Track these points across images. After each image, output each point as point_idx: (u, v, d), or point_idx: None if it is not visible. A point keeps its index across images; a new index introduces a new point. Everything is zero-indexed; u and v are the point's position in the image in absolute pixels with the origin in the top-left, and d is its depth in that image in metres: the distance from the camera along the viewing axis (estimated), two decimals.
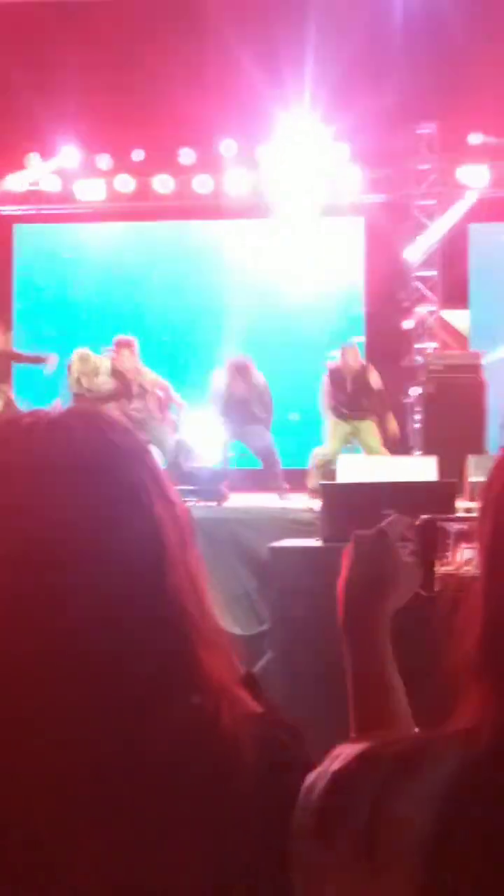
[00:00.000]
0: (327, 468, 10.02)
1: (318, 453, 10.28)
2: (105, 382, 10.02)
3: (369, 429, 10.34)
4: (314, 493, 9.55)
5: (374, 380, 10.51)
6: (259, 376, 10.20)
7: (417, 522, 1.36)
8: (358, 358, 10.65)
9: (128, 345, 10.10)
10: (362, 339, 11.85)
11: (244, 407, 9.92)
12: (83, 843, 0.89)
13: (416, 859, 0.83)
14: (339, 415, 10.38)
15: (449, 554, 1.42)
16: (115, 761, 0.91)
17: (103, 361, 10.26)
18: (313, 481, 9.94)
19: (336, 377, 10.51)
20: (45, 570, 0.92)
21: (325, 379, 10.58)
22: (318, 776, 0.95)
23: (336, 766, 0.94)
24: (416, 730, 1.23)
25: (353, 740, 1.00)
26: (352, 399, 10.36)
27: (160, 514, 0.99)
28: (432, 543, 1.33)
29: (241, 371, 10.06)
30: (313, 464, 10.17)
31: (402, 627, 1.34)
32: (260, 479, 9.70)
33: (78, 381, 10.20)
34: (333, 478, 9.93)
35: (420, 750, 0.91)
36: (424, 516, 1.36)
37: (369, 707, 1.26)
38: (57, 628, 0.91)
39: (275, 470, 9.80)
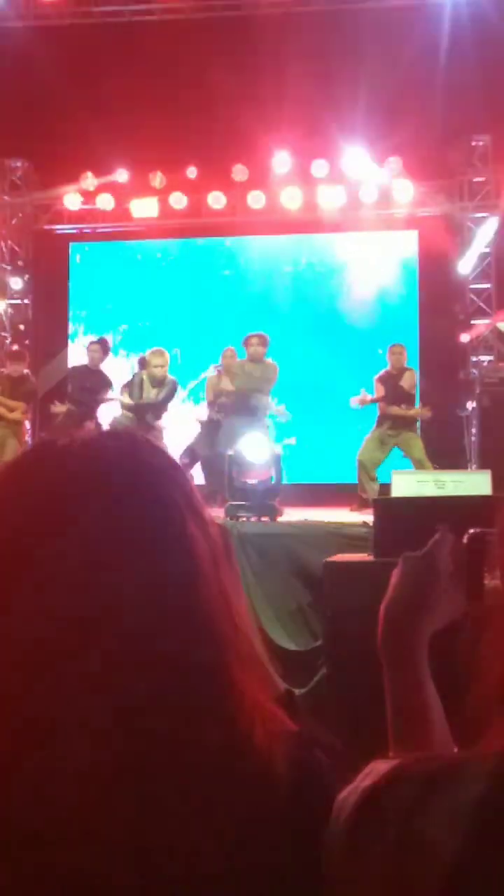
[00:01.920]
0: (370, 472, 10.08)
1: (363, 460, 10.32)
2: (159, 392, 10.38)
3: (416, 443, 10.34)
4: (365, 502, 9.59)
5: (408, 380, 10.61)
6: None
7: (466, 536, 1.35)
8: (403, 358, 10.75)
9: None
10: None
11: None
12: (113, 860, 0.90)
13: (444, 879, 0.83)
14: (391, 425, 10.40)
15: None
16: (146, 778, 0.92)
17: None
18: (369, 490, 9.98)
19: (386, 379, 10.60)
20: (79, 589, 0.93)
21: (376, 385, 10.64)
22: (349, 793, 0.95)
23: (367, 782, 0.94)
24: (455, 749, 1.23)
25: (387, 758, 1.01)
26: (399, 399, 10.42)
27: (193, 533, 1.00)
28: (480, 557, 1.33)
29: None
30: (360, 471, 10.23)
31: (441, 645, 1.34)
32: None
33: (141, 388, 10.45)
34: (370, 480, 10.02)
35: (451, 769, 0.91)
36: (473, 530, 1.35)
37: (406, 726, 1.26)
38: (88, 643, 0.92)
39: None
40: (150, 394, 10.28)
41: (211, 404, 11.32)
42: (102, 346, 11.53)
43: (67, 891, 0.89)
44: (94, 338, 12.37)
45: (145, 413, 10.24)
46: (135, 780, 0.91)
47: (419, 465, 10.08)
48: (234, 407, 10.18)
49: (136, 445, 1.03)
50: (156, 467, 1.02)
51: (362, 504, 9.63)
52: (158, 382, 10.29)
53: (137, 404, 10.32)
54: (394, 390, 10.48)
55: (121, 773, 0.91)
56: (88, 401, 10.84)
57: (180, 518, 0.99)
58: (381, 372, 10.73)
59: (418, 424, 10.76)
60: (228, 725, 0.96)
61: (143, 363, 11.01)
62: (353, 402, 10.53)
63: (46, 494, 0.97)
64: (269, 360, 10.24)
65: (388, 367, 10.71)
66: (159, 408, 10.45)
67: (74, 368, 11.83)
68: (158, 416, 10.44)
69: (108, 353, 11.69)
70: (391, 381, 10.55)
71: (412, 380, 10.67)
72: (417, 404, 10.90)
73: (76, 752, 0.90)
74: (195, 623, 0.96)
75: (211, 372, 11.85)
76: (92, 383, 11.01)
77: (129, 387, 10.63)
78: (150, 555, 0.96)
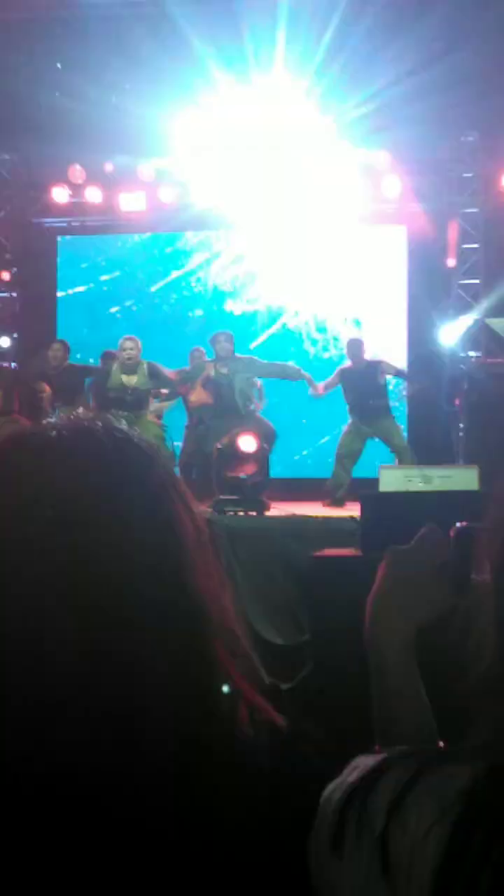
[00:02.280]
0: (346, 466, 10.13)
1: (341, 453, 10.39)
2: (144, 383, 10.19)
3: (391, 427, 10.40)
4: (335, 489, 9.63)
5: (386, 369, 10.69)
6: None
7: (453, 530, 1.35)
8: (362, 352, 10.80)
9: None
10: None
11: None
12: (91, 833, 0.90)
13: (429, 873, 0.83)
14: (360, 418, 10.48)
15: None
16: (123, 759, 0.92)
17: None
18: (334, 484, 10.04)
19: (347, 376, 10.67)
20: (72, 561, 0.94)
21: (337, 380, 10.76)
22: (335, 788, 0.95)
23: (352, 777, 0.94)
24: (441, 743, 1.23)
25: (373, 752, 1.01)
26: (363, 395, 10.47)
27: (179, 516, 1.01)
28: (468, 551, 1.33)
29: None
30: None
31: (427, 640, 1.34)
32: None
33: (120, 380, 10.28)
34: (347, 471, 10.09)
35: (435, 763, 0.91)
36: (460, 524, 1.35)
37: (392, 720, 1.26)
38: (75, 615, 0.93)
39: None
40: (123, 380, 10.08)
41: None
42: (64, 346, 11.44)
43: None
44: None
45: (122, 403, 9.97)
46: (111, 754, 0.91)
47: (401, 453, 10.10)
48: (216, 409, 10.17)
49: (125, 433, 1.04)
50: (145, 452, 1.03)
51: (335, 501, 9.66)
52: (130, 369, 10.06)
53: (115, 396, 10.09)
54: (356, 383, 10.55)
55: (99, 744, 0.91)
56: (77, 399, 10.75)
57: (168, 499, 1.01)
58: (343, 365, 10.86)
59: (394, 412, 10.84)
60: (210, 706, 0.96)
61: (106, 357, 10.92)
62: (311, 392, 10.68)
63: (39, 475, 0.98)
64: (238, 354, 10.27)
65: (349, 363, 10.82)
66: (141, 395, 10.25)
67: (48, 376, 11.43)
68: (142, 405, 10.23)
69: (69, 350, 11.56)
70: (350, 375, 10.64)
71: (380, 374, 10.74)
72: (394, 396, 11.01)
73: (60, 712, 0.91)
74: (179, 602, 0.97)
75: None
76: (68, 381, 10.92)
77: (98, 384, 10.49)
78: (138, 531, 0.97)
